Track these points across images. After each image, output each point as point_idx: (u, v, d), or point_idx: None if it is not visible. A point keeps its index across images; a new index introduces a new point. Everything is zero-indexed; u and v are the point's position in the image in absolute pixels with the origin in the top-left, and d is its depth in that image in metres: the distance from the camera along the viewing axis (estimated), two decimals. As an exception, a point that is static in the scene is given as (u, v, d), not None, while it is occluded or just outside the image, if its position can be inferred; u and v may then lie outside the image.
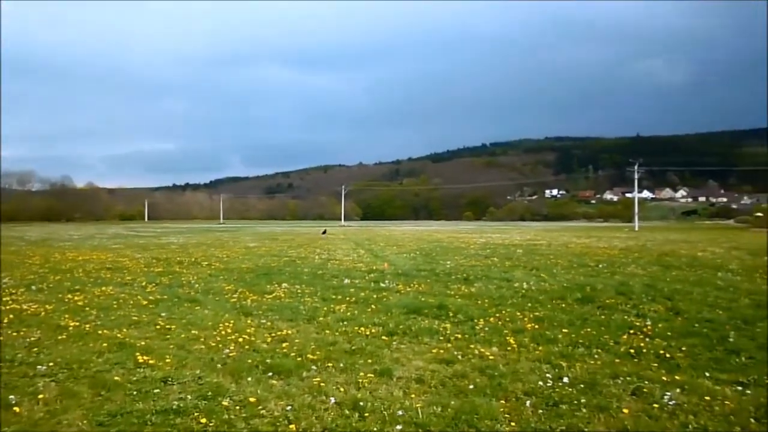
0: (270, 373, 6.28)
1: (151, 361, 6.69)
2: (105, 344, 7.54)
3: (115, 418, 5.07)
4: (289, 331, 8.38)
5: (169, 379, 6.07)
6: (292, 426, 4.85)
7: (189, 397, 5.53)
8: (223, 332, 8.24)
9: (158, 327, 8.68)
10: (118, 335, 8.10)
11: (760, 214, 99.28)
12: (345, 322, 9.02)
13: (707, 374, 6.39)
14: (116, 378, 6.07)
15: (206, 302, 10.98)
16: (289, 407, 5.27)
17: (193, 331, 8.31)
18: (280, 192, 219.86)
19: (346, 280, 14.09)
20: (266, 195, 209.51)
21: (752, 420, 5.05)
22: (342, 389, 5.78)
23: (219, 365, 6.61)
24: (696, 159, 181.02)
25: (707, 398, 5.56)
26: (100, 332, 8.27)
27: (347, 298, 11.34)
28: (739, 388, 5.95)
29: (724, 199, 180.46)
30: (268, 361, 6.72)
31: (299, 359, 6.83)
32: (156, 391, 5.72)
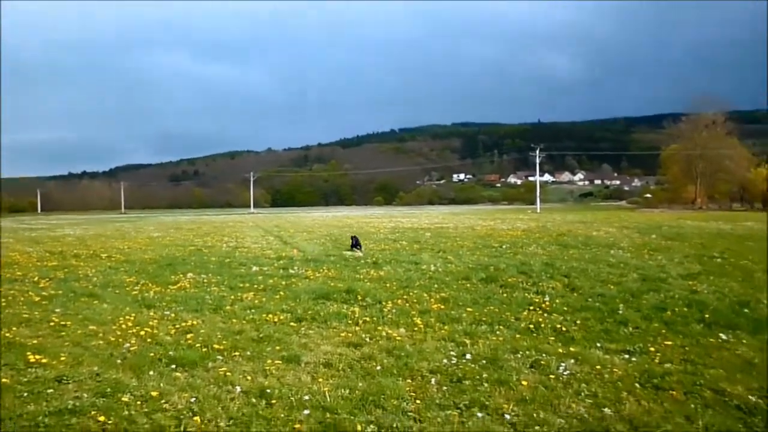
0: (173, 366, 6.10)
1: (43, 360, 6.32)
2: (-9, 344, 7.05)
3: (4, 422, 4.76)
4: (194, 322, 8.17)
5: (64, 377, 5.77)
6: (197, 418, 4.75)
7: (85, 395, 5.29)
8: (123, 326, 7.90)
9: (52, 324, 8.21)
10: (7, 335, 7.58)
11: (648, 195, 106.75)
12: (252, 311, 8.90)
13: (598, 345, 6.84)
14: (5, 380, 5.70)
15: (105, 296, 10.48)
16: (193, 399, 5.15)
17: (90, 327, 7.92)
18: (186, 180, 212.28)
19: (254, 268, 13.88)
20: (171, 183, 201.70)
21: (637, 385, 5.45)
22: (249, 378, 5.72)
23: (119, 360, 6.35)
24: (592, 144, 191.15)
25: (598, 367, 5.95)
26: (-15, 332, 7.71)
27: (255, 286, 11.18)
28: (626, 356, 6.41)
29: (617, 182, 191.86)
30: (171, 353, 6.53)
31: (204, 350, 6.68)
32: (49, 391, 5.42)
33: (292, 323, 8.07)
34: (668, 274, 12.18)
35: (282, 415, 4.78)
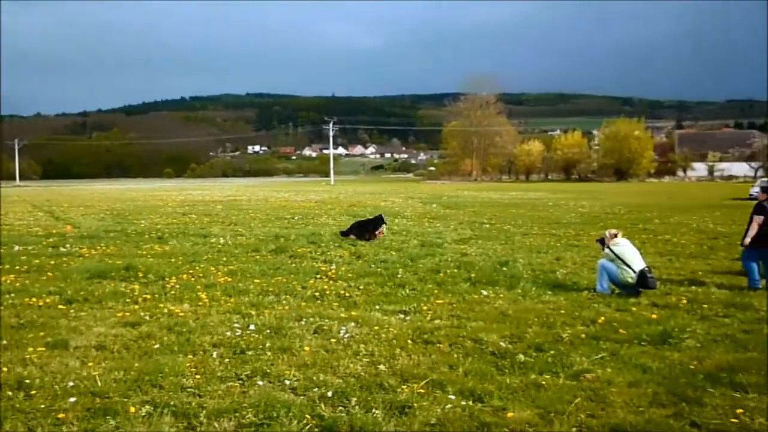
0: None
1: None
2: None
3: None
4: (-65, 312, 7.06)
5: None
6: (-66, 420, 4.14)
7: None
8: None
9: None
10: None
11: (432, 168, 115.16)
12: (12, 295, 7.97)
13: (378, 307, 7.29)
14: None
15: None
16: (-72, 402, 4.47)
17: None
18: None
19: (17, 247, 12.39)
20: None
21: (410, 341, 5.91)
22: (4, 369, 5.10)
23: None
24: (383, 119, 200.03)
25: (376, 328, 6.33)
26: None
27: (17, 268, 10.00)
28: (402, 316, 6.92)
29: (405, 155, 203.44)
30: None
31: (-53, 343, 5.82)
32: None
33: (60, 306, 7.38)
34: (444, 239, 13.32)
35: (43, 406, 4.35)
